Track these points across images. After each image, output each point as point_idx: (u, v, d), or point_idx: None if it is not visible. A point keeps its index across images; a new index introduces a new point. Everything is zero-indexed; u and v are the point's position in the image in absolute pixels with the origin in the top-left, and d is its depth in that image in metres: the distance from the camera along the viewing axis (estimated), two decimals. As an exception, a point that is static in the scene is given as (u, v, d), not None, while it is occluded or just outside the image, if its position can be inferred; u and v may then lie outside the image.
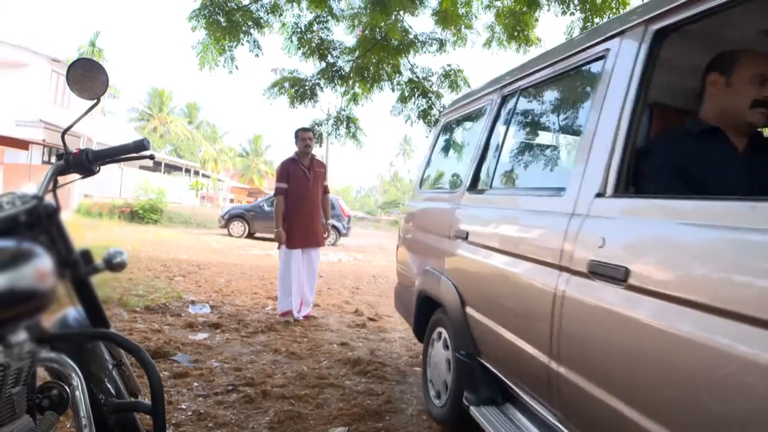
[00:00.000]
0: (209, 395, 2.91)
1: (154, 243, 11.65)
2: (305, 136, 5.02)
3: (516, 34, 6.59)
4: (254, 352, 3.85)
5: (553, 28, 6.58)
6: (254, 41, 5.05)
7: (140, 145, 1.50)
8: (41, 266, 1.25)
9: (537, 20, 6.55)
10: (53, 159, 23.68)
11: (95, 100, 1.47)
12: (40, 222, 1.38)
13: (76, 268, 1.50)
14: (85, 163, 1.50)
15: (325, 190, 5.28)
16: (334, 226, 13.63)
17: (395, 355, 4.13)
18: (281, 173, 5.03)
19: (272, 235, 16.66)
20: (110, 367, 1.61)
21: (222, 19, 4.68)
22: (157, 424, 1.38)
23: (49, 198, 1.44)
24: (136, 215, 19.55)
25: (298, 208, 4.95)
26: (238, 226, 16.71)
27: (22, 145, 18.96)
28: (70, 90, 1.46)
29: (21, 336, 1.25)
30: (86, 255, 1.55)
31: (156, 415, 1.39)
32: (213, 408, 2.73)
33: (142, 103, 47.61)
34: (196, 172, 36.36)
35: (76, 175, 1.55)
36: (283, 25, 5.68)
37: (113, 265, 1.61)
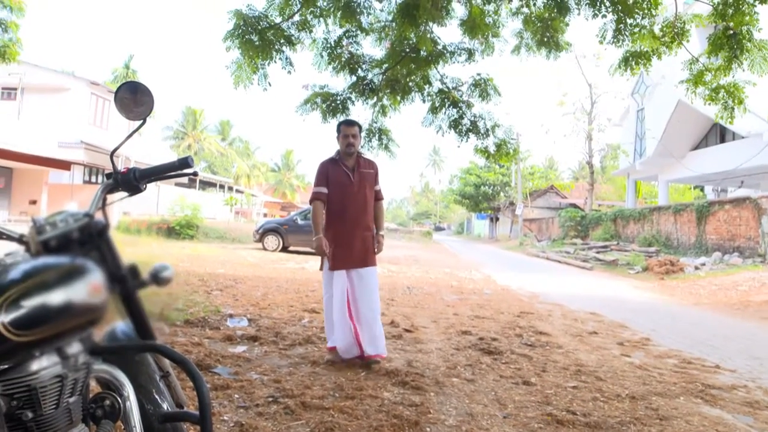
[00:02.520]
0: (250, 407, 2.96)
1: (191, 258, 11.88)
2: (348, 132, 4.07)
3: (546, 39, 6.54)
4: (292, 364, 3.89)
5: (584, 31, 6.47)
6: (286, 58, 5.15)
7: (184, 163, 1.55)
8: (95, 281, 1.31)
9: (567, 25, 6.49)
10: (94, 178, 24.49)
11: (141, 122, 1.53)
12: (91, 238, 1.45)
13: (125, 282, 1.56)
14: (133, 181, 1.56)
15: (377, 196, 4.27)
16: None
17: (432, 365, 4.11)
18: (319, 176, 4.16)
19: (307, 248, 16.93)
20: (158, 378, 1.65)
21: (255, 38, 4.80)
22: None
23: (98, 215, 1.50)
24: (172, 231, 20.00)
25: (339, 218, 4.06)
26: (272, 240, 16.93)
27: (65, 165, 19.65)
28: (117, 112, 1.53)
29: (76, 348, 1.31)
30: (134, 270, 1.61)
31: (204, 424, 1.42)
32: (254, 419, 2.77)
33: (177, 121, 48.93)
34: (230, 188, 37.03)
35: (124, 193, 1.61)
36: (314, 41, 5.78)
37: (160, 279, 1.67)
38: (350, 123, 4.21)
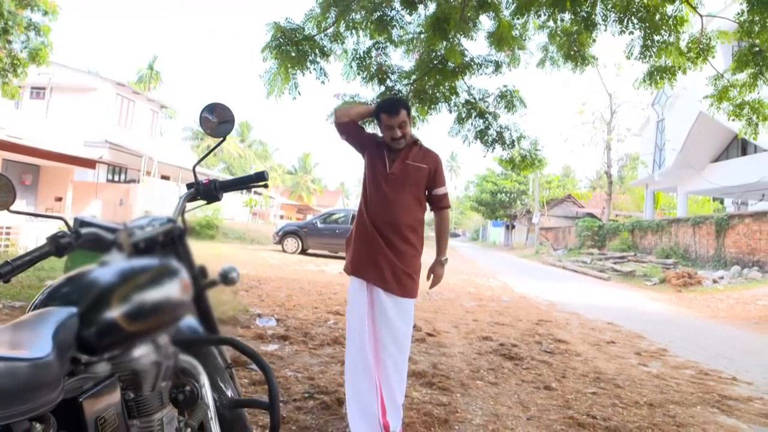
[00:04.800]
0: (288, 401, 3.14)
1: (212, 258, 12.15)
2: (390, 122, 2.82)
3: (572, 53, 6.66)
4: (323, 363, 4.07)
5: (605, 40, 6.55)
6: (321, 69, 5.35)
7: (260, 176, 1.74)
8: (184, 280, 1.51)
9: (594, 40, 6.60)
10: (117, 177, 24.96)
11: (222, 138, 1.72)
12: (173, 242, 1.64)
13: (198, 282, 1.75)
14: (213, 191, 1.74)
15: (439, 202, 2.99)
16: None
17: (457, 368, 4.27)
18: (368, 133, 3.18)
19: (326, 251, 17.06)
20: (224, 369, 1.84)
21: (291, 50, 5.01)
22: (273, 418, 1.59)
23: (179, 221, 1.69)
24: (193, 231, 20.33)
25: (368, 219, 2.90)
26: (291, 243, 17.16)
27: (90, 164, 20.09)
28: (201, 129, 1.72)
29: (165, 339, 1.50)
30: (203, 271, 1.80)
31: (273, 410, 1.60)
32: (294, 413, 2.95)
33: (197, 122, 49.51)
34: (250, 189, 37.44)
35: (201, 201, 1.79)
36: (345, 52, 5.98)
37: (228, 279, 1.87)
38: (393, 109, 2.83)
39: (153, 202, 22.28)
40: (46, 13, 8.18)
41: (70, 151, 18.79)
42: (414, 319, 5.76)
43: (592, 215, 35.75)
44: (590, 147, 47.14)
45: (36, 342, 0.97)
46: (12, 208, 1.47)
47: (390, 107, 2.87)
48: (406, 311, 2.84)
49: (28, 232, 13.86)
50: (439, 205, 3.01)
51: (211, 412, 1.61)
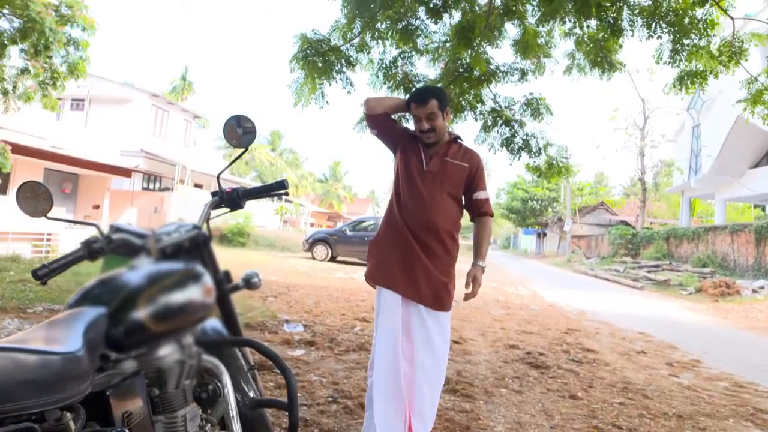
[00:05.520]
0: (312, 405, 3.19)
1: (243, 265, 12.35)
2: (418, 113, 2.60)
3: (599, 60, 6.60)
4: (348, 369, 4.12)
5: (637, 45, 6.43)
6: (346, 79, 5.44)
7: (281, 184, 1.80)
8: (207, 284, 1.59)
9: (621, 46, 6.54)
10: (152, 185, 25.61)
11: (244, 149, 1.79)
12: (197, 247, 1.72)
13: (221, 286, 1.82)
14: (236, 199, 1.82)
15: (480, 207, 2.73)
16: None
17: (481, 376, 4.26)
18: (402, 126, 2.95)
19: (355, 259, 17.16)
20: (246, 370, 1.90)
21: (318, 60, 5.11)
22: (292, 417, 1.65)
23: (204, 228, 1.77)
24: (224, 239, 20.70)
25: (401, 222, 2.61)
26: (321, 250, 17.33)
27: (126, 173, 20.70)
28: (225, 141, 1.79)
29: (189, 339, 1.57)
30: (227, 275, 1.88)
31: (291, 410, 1.65)
32: (317, 416, 3.00)
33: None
34: (279, 197, 37.93)
35: (225, 209, 1.87)
36: (371, 61, 6.05)
37: (251, 284, 1.95)
38: (421, 98, 2.60)
39: (186, 210, 22.77)
40: (84, 29, 8.50)
41: (108, 160, 19.40)
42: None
43: (625, 223, 35.05)
44: (623, 154, 46.37)
45: (68, 338, 1.05)
46: (49, 215, 1.56)
47: (419, 96, 2.64)
48: (444, 327, 2.63)
49: (67, 239, 14.35)
50: (480, 210, 2.72)
51: (233, 411, 1.67)
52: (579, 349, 5.81)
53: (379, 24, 5.54)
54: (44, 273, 1.43)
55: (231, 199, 1.79)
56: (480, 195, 2.72)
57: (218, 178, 1.83)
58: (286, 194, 1.95)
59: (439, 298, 2.58)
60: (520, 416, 3.37)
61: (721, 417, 3.76)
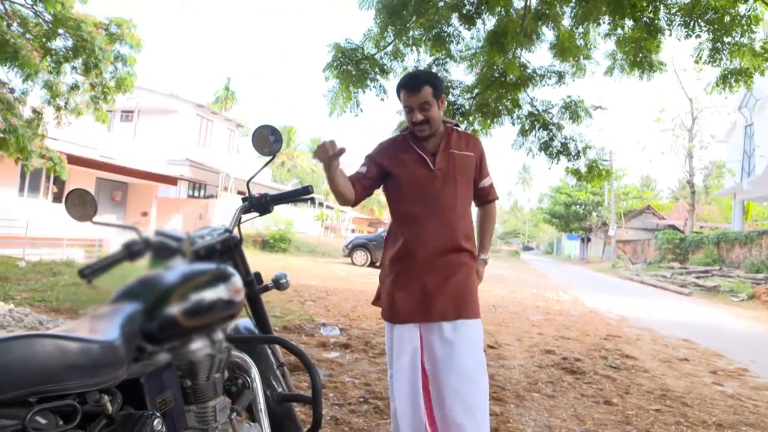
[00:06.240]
0: (344, 404, 3.28)
1: (284, 270, 12.60)
2: (409, 102, 2.28)
3: (639, 60, 6.49)
4: (381, 371, 4.18)
5: (684, 43, 6.24)
6: (380, 86, 5.53)
7: (306, 190, 1.90)
8: (236, 284, 1.70)
9: (659, 46, 6.41)
10: (197, 192, 26.37)
11: (271, 157, 1.90)
12: (229, 250, 1.83)
13: (252, 286, 1.93)
14: (265, 204, 1.92)
15: (487, 195, 2.52)
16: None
17: (514, 380, 4.26)
18: (372, 154, 2.46)
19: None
20: (275, 366, 2.00)
21: (351, 69, 5.22)
22: (316, 412, 1.73)
23: (235, 232, 1.87)
24: (267, 244, 21.13)
25: (408, 234, 2.32)
26: (360, 256, 17.50)
27: (172, 181, 21.44)
28: (254, 149, 1.90)
29: (220, 335, 1.68)
30: (258, 276, 1.98)
31: (315, 405, 1.74)
32: (347, 415, 3.08)
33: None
34: (320, 204, 38.41)
35: (255, 213, 1.97)
36: (405, 69, 6.13)
37: (280, 285, 2.05)
38: (412, 85, 2.28)
39: (229, 216, 23.28)
40: (132, 47, 8.94)
41: (155, 169, 20.14)
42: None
43: (673, 227, 33.92)
44: (670, 155, 44.92)
45: (107, 329, 1.18)
46: (94, 219, 1.69)
47: (409, 82, 2.30)
48: (474, 333, 2.26)
49: (116, 243, 14.98)
50: (487, 198, 2.52)
51: (261, 404, 1.77)
52: (618, 355, 5.71)
53: (411, 32, 5.61)
54: (89, 272, 1.56)
55: (260, 204, 1.89)
56: (486, 182, 2.49)
57: (248, 184, 1.94)
58: (312, 199, 2.05)
59: (461, 304, 2.23)
60: (551, 420, 3.36)
61: (765, 427, 3.64)
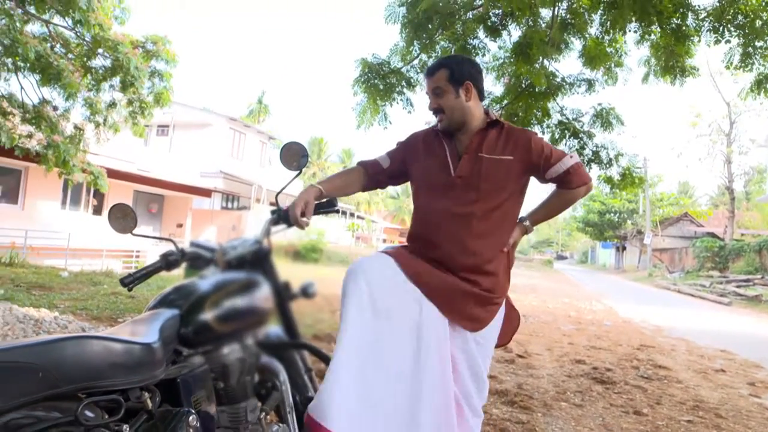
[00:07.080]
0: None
1: (316, 280, 12.74)
2: (426, 87, 2.00)
3: (670, 65, 6.42)
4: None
5: (720, 47, 6.08)
6: (407, 99, 5.62)
7: (331, 203, 1.99)
8: (265, 292, 1.80)
9: (688, 51, 6.33)
10: (230, 204, 26.89)
11: (298, 171, 2.00)
12: (259, 260, 1.93)
13: (281, 294, 2.02)
14: None
15: (569, 183, 1.97)
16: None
17: (542, 389, 4.25)
18: (399, 146, 2.15)
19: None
20: (303, 371, 2.08)
21: (379, 83, 5.34)
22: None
23: (265, 242, 1.98)
24: (299, 255, 21.38)
25: (424, 241, 1.95)
26: (390, 265, 17.53)
27: (206, 193, 21.94)
28: (281, 164, 2.00)
29: (251, 340, 1.78)
30: (287, 285, 2.08)
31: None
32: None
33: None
34: (351, 214, 38.68)
35: (283, 225, 2.07)
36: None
37: (308, 293, 2.14)
38: (429, 69, 2.00)
39: (262, 228, 23.64)
40: (167, 62, 9.28)
41: (190, 181, 20.64)
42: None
43: (712, 235, 33.00)
44: (708, 161, 43.78)
45: (147, 332, 1.29)
46: (134, 232, 1.81)
47: (429, 66, 2.02)
48: (479, 344, 1.94)
49: (153, 254, 15.40)
50: (572, 185, 1.97)
51: (289, 406, 1.86)
52: (650, 365, 5.62)
53: (437, 45, 5.70)
54: (129, 281, 1.68)
55: (287, 216, 1.99)
56: (554, 171, 1.94)
57: (276, 197, 2.04)
58: (336, 212, 2.13)
59: (474, 317, 1.89)
60: (578, 429, 3.35)
61: (802, 439, 3.56)
